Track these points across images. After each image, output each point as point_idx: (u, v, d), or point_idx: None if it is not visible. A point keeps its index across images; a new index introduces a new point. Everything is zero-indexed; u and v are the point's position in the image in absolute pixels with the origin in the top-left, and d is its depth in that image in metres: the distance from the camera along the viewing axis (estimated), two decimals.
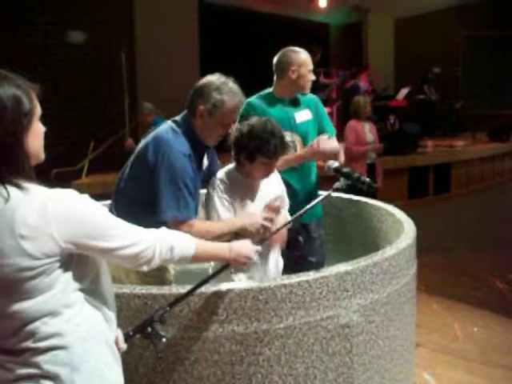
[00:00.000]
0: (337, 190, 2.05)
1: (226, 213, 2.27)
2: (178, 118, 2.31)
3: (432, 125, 11.41)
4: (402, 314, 2.23)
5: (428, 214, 6.69)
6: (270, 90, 2.98)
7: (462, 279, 4.83)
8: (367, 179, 2.09)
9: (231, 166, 2.41)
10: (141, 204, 2.19)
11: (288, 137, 2.82)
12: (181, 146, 2.15)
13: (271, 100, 2.92)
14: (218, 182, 2.32)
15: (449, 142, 10.31)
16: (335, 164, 2.18)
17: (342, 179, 2.08)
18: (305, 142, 2.92)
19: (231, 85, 2.21)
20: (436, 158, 8.77)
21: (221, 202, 2.28)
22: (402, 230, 2.53)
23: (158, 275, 2.22)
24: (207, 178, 2.37)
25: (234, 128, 2.30)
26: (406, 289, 2.24)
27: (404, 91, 9.91)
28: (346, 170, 2.13)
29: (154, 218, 2.06)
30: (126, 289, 1.80)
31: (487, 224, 6.76)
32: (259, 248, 1.86)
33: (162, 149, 2.13)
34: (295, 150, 2.89)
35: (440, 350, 3.51)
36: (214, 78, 2.23)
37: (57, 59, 7.91)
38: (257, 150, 2.23)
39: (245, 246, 1.80)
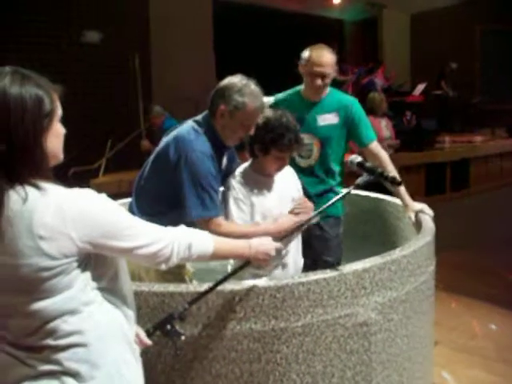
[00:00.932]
0: (358, 186, 2.00)
1: (240, 214, 2.28)
2: (199, 117, 2.32)
3: (449, 120, 11.29)
4: (421, 312, 2.21)
5: (446, 210, 6.61)
6: (300, 87, 2.90)
7: (481, 277, 4.77)
8: (390, 174, 2.05)
9: (246, 164, 2.42)
10: (163, 200, 2.22)
11: (306, 139, 2.77)
12: (202, 146, 2.16)
13: (297, 99, 2.87)
14: (233, 182, 2.33)
15: (467, 137, 10.18)
16: (358, 159, 2.12)
17: (364, 175, 2.02)
18: (324, 147, 2.84)
19: (253, 87, 2.21)
20: (454, 154, 8.66)
21: (235, 204, 2.29)
22: (419, 227, 2.51)
23: (178, 273, 2.24)
24: (226, 177, 2.38)
25: None
26: (424, 286, 2.22)
27: (420, 87, 9.82)
28: (369, 164, 2.07)
29: (177, 214, 2.08)
30: (145, 287, 1.81)
31: (506, 221, 6.66)
32: (279, 245, 1.84)
33: (184, 149, 2.14)
34: (311, 153, 2.85)
35: (459, 348, 3.47)
36: (236, 80, 2.22)
37: (73, 59, 7.97)
38: (271, 143, 2.24)
39: (264, 243, 1.78)
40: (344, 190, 2.06)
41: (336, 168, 2.91)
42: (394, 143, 5.90)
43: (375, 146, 2.87)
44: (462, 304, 4.22)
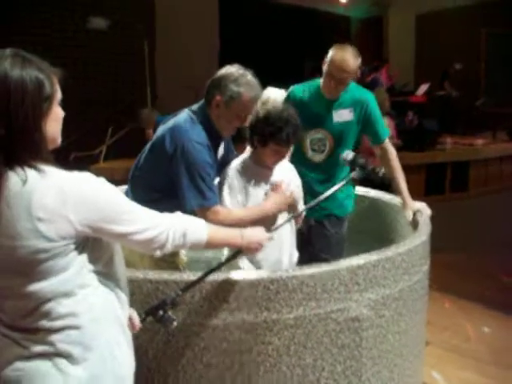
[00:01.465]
0: (351, 180, 2.08)
1: (232, 202, 2.28)
2: (194, 106, 2.31)
3: (451, 122, 11.26)
4: (413, 311, 2.21)
5: (444, 211, 6.57)
6: (320, 80, 2.83)
7: (476, 279, 4.78)
8: (382, 170, 2.11)
9: (246, 155, 2.43)
10: (158, 189, 2.22)
11: (319, 134, 2.79)
12: (198, 136, 2.16)
13: (315, 92, 2.82)
14: (230, 171, 2.34)
15: (468, 139, 10.14)
16: (350, 155, 2.19)
17: (357, 170, 2.10)
18: (338, 143, 2.81)
19: (249, 77, 2.20)
20: (454, 155, 8.64)
21: (230, 193, 2.30)
22: (416, 226, 2.52)
23: (171, 261, 2.25)
24: (222, 168, 2.38)
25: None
26: (418, 285, 2.23)
27: (424, 87, 9.79)
28: (361, 161, 2.14)
29: (173, 202, 2.07)
30: (139, 273, 1.82)
31: (503, 224, 6.66)
32: (271, 235, 1.86)
33: (180, 140, 2.14)
34: (325, 149, 2.82)
35: (451, 349, 3.48)
36: (233, 70, 2.22)
37: (76, 44, 7.95)
38: (269, 136, 2.24)
39: (257, 233, 1.80)
40: (336, 186, 2.10)
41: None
42: (395, 143, 5.89)
43: (387, 142, 2.89)
44: (456, 305, 4.23)
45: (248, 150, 2.46)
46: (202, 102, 2.30)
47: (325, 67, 2.70)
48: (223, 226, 1.81)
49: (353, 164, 2.16)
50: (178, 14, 8.86)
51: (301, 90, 2.87)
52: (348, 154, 2.20)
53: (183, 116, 2.25)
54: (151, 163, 2.27)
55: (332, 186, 2.74)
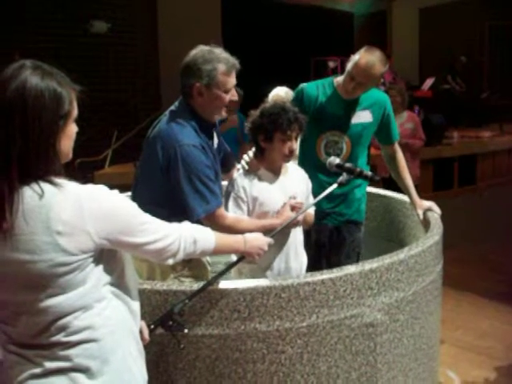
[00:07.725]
0: (341, 184, 2.12)
1: (236, 211, 2.24)
2: (174, 106, 2.21)
3: (458, 115, 11.18)
4: (428, 313, 2.18)
5: (453, 206, 6.56)
6: (337, 78, 2.71)
7: (489, 274, 4.73)
8: (369, 173, 2.17)
9: (255, 161, 2.37)
10: (157, 204, 2.00)
11: (335, 137, 2.69)
12: (189, 138, 2.05)
13: (330, 91, 2.69)
14: (238, 179, 2.29)
15: (475, 132, 10.08)
16: (336, 160, 2.23)
17: (344, 174, 2.13)
18: (355, 146, 2.70)
19: (217, 51, 2.09)
20: (462, 149, 8.58)
21: (234, 202, 2.26)
22: (427, 225, 2.48)
23: (196, 275, 2.15)
24: (220, 158, 2.31)
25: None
26: (432, 286, 2.20)
27: (429, 82, 9.71)
28: (347, 165, 2.20)
29: (175, 216, 2.00)
30: (147, 285, 1.79)
31: None
32: (271, 240, 1.88)
33: (172, 147, 2.03)
34: (341, 152, 2.69)
35: (465, 347, 3.44)
36: (198, 51, 2.10)
37: (81, 49, 7.95)
38: (271, 124, 2.20)
39: (258, 238, 1.84)
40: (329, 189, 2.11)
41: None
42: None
43: (396, 143, 2.85)
44: (469, 301, 4.18)
45: (247, 158, 2.41)
46: (179, 98, 2.19)
47: (348, 66, 2.56)
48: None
49: (340, 168, 2.19)
50: (181, 14, 8.83)
51: (314, 87, 2.71)
52: (334, 160, 2.23)
53: (168, 120, 2.13)
54: (147, 177, 2.17)
55: (348, 189, 2.73)
